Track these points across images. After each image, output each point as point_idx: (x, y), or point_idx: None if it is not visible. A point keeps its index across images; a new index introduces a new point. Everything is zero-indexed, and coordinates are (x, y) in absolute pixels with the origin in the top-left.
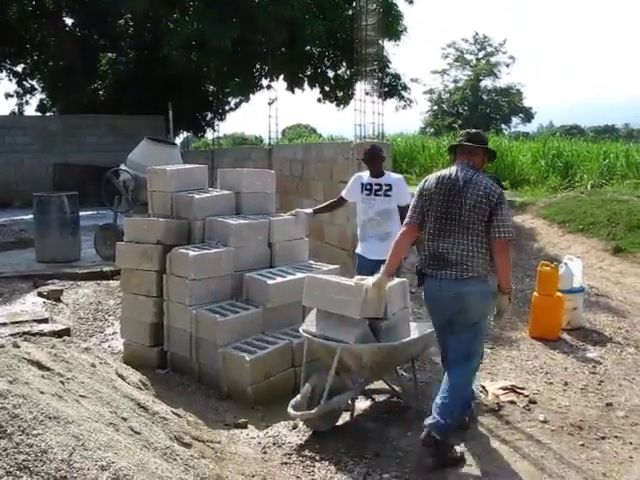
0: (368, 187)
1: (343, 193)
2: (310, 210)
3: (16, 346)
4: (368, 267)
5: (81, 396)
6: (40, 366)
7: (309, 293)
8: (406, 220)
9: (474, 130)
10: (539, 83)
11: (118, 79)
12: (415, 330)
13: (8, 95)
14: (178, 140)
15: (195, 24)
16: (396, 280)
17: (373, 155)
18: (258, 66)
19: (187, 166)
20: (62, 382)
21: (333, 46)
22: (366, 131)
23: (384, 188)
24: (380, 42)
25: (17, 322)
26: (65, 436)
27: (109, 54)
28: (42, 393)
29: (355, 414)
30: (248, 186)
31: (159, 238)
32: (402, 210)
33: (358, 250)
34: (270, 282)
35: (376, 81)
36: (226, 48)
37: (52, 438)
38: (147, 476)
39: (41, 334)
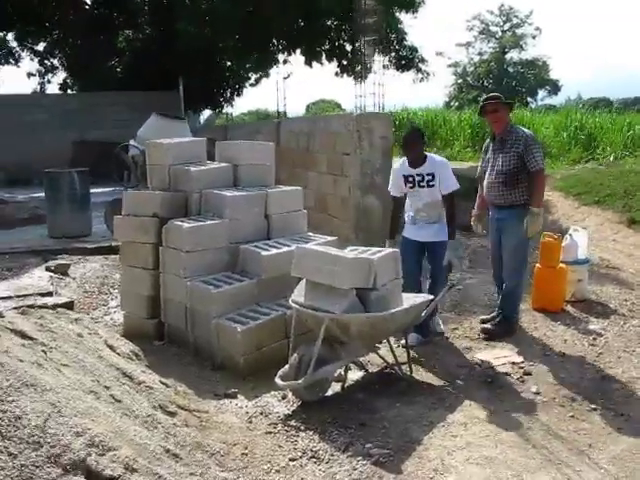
0: (410, 179)
1: (391, 191)
2: (391, 242)
3: (0, 316)
4: (411, 248)
5: (63, 365)
6: (23, 335)
7: (298, 263)
8: None
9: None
10: (568, 55)
11: (135, 56)
12: (407, 301)
13: (30, 74)
14: (202, 117)
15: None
16: (387, 250)
17: (408, 143)
18: (275, 41)
19: (185, 139)
20: (44, 351)
21: (350, 19)
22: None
23: (426, 178)
24: (378, 12)
25: (21, 295)
26: (41, 403)
27: (126, 31)
28: (21, 361)
29: (346, 385)
30: (246, 158)
31: (155, 211)
32: (446, 199)
33: (404, 232)
34: (264, 253)
35: (377, 52)
36: (236, 22)
37: (27, 405)
38: (124, 442)
39: (43, 307)
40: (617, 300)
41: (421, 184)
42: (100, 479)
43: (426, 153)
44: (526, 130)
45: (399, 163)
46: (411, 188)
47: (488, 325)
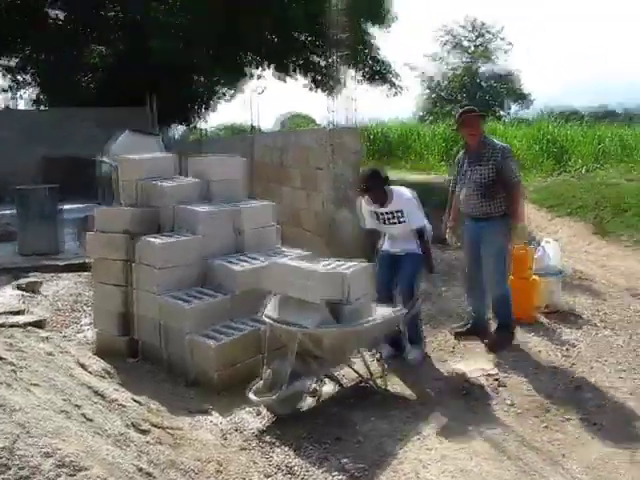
0: (379, 217)
1: (366, 224)
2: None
3: None
4: (383, 259)
5: (33, 384)
6: None
7: (270, 278)
8: None
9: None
10: (540, 68)
11: (108, 72)
12: (379, 314)
13: (3, 89)
14: (176, 133)
15: (181, 18)
16: (360, 265)
17: (371, 189)
18: (249, 57)
19: (156, 155)
20: (14, 371)
21: (323, 34)
22: (339, 117)
23: (396, 215)
24: (350, 27)
25: None
26: (9, 424)
27: (99, 47)
28: None
29: (321, 399)
30: (217, 173)
31: (126, 227)
32: (418, 234)
33: (382, 246)
34: (237, 269)
35: (349, 67)
36: (210, 39)
37: None
38: (96, 462)
39: (14, 326)
40: (590, 310)
41: (391, 221)
42: None
43: (391, 188)
44: (501, 142)
45: (365, 199)
46: (382, 224)
47: (493, 338)
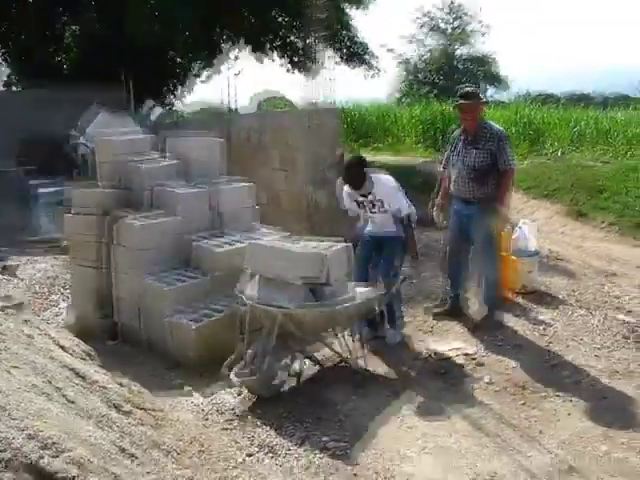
0: (361, 204)
1: (345, 207)
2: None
3: None
4: (365, 241)
5: (13, 367)
6: None
7: (251, 259)
8: None
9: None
10: (517, 52)
11: (83, 52)
12: (359, 295)
13: None
14: (152, 113)
15: None
16: (339, 245)
17: (351, 178)
18: (226, 37)
19: (135, 135)
20: None
21: (301, 15)
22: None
23: (377, 205)
24: (329, 7)
25: None
26: None
27: (74, 27)
28: None
29: (302, 379)
30: (196, 154)
31: (105, 208)
32: (403, 220)
33: (364, 228)
34: (217, 250)
35: (328, 48)
36: (188, 20)
37: None
38: (78, 443)
39: None
40: (566, 291)
41: (372, 210)
42: None
43: (372, 176)
44: (499, 128)
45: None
46: (365, 213)
47: (479, 319)
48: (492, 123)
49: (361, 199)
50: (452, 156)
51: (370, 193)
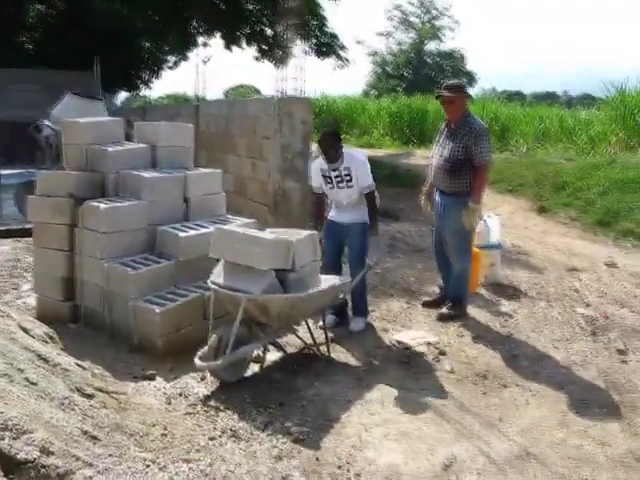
0: (328, 178)
1: (313, 184)
2: (316, 232)
3: None
4: (332, 229)
5: None
6: None
7: (216, 244)
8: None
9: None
10: (487, 49)
11: (47, 33)
12: (325, 283)
13: None
14: (118, 99)
15: None
16: (306, 232)
17: (327, 144)
18: (195, 23)
19: (102, 118)
20: None
21: (272, 4)
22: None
23: (344, 176)
24: None
25: None
26: None
27: (37, 6)
28: None
29: (265, 365)
30: (165, 140)
31: (71, 191)
32: (367, 197)
33: (329, 216)
34: (182, 235)
35: (297, 36)
36: (155, 3)
37: None
38: (40, 425)
39: None
40: (527, 284)
41: (340, 185)
42: (14, 463)
43: (344, 148)
44: (481, 123)
45: (317, 159)
46: (331, 188)
47: (444, 310)
48: (476, 118)
49: (332, 173)
50: (436, 146)
51: (340, 164)
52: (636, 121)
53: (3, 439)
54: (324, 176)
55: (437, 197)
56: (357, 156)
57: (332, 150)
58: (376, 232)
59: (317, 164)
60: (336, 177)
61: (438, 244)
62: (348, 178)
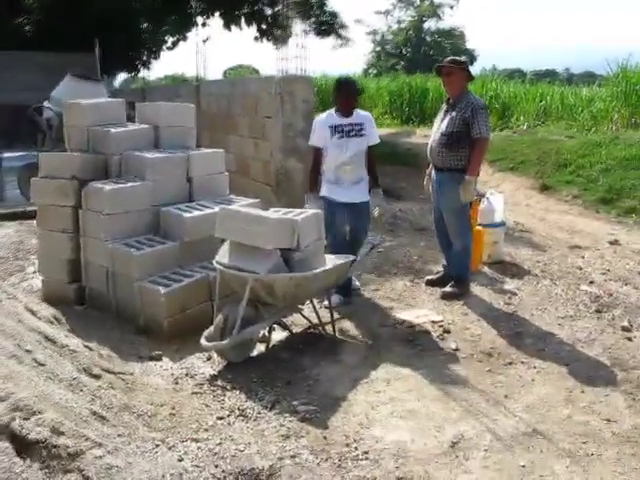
0: (339, 129)
1: (315, 142)
2: (310, 195)
3: None
4: (340, 210)
5: None
6: None
7: (222, 225)
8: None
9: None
10: (487, 27)
11: (46, 14)
12: (329, 262)
13: None
14: (117, 80)
15: None
16: (310, 211)
17: (349, 91)
18: (193, 3)
19: (104, 100)
20: None
21: None
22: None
23: (356, 128)
24: None
25: None
26: None
27: None
28: None
29: (271, 345)
30: (167, 120)
31: (74, 173)
32: (371, 151)
33: (326, 193)
34: (186, 215)
35: (297, 15)
36: None
37: None
38: (49, 406)
39: None
40: (530, 261)
41: (351, 133)
42: (26, 443)
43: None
44: (480, 99)
45: (325, 114)
46: (340, 138)
47: (448, 288)
48: (476, 96)
49: (345, 120)
50: (435, 124)
51: (352, 117)
52: (639, 98)
53: (14, 420)
54: (334, 127)
55: (433, 174)
56: (365, 113)
57: (352, 99)
58: (377, 182)
59: (324, 119)
60: (348, 125)
61: (438, 221)
62: (359, 128)
